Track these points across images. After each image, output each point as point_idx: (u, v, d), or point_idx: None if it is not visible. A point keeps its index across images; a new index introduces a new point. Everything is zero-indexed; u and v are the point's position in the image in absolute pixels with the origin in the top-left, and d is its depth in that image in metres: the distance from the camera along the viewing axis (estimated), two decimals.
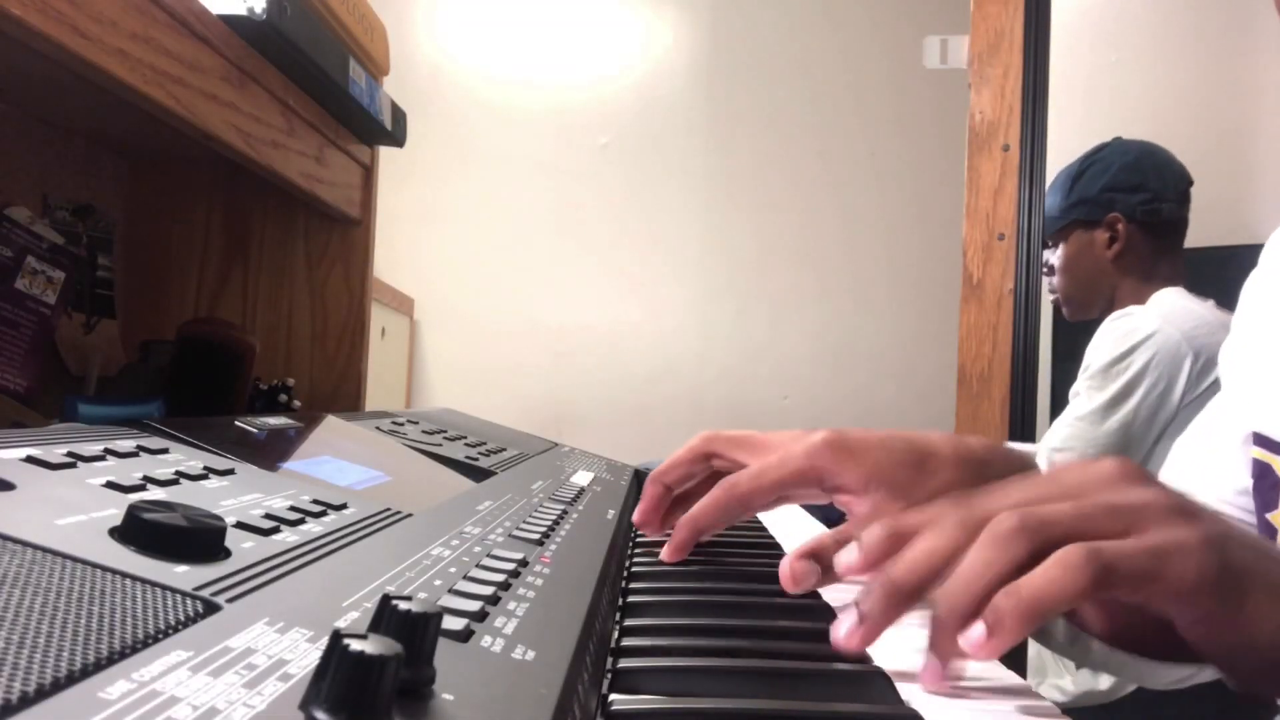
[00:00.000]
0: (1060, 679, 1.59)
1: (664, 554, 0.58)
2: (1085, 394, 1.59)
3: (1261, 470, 0.77)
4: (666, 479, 0.64)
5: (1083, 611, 0.47)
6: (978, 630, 0.37)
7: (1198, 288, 1.68)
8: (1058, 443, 1.60)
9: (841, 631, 0.40)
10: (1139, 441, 1.56)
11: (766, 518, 0.83)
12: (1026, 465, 0.68)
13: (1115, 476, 0.42)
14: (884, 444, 0.58)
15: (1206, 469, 0.87)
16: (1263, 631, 0.37)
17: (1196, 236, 1.79)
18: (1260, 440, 0.77)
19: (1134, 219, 1.70)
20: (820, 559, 0.50)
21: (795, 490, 0.60)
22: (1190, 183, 1.74)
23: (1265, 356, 0.81)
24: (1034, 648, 1.52)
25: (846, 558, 0.44)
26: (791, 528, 0.85)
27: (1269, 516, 0.76)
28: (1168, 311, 1.60)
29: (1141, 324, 1.58)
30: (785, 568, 0.50)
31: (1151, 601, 0.38)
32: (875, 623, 0.40)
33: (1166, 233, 1.72)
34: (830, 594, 0.53)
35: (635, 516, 0.63)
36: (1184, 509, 0.39)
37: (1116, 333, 1.60)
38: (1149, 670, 0.49)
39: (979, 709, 0.39)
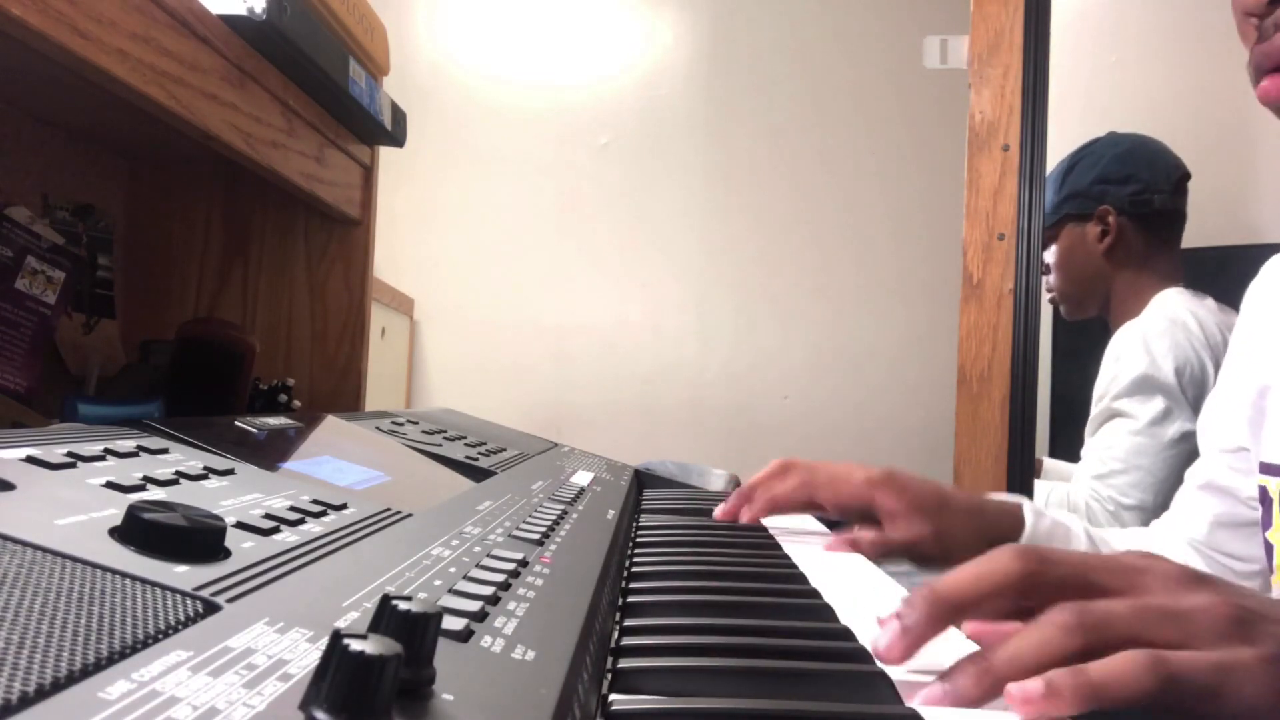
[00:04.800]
0: None
1: (744, 516, 0.80)
2: (1131, 409, 1.56)
3: (1263, 494, 0.79)
4: (751, 493, 0.83)
5: None
6: (1034, 686, 0.36)
7: (1198, 287, 1.67)
8: (1117, 464, 1.54)
9: (935, 697, 0.39)
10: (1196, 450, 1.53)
11: (767, 519, 0.83)
12: (1011, 515, 0.79)
13: (1174, 578, 0.42)
14: (921, 480, 0.80)
15: (1174, 513, 0.94)
16: None
17: (1196, 236, 1.78)
18: (1264, 468, 0.79)
19: (1124, 211, 1.68)
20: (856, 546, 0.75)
21: (849, 502, 0.81)
22: (1185, 175, 1.71)
23: (1256, 389, 0.83)
24: None
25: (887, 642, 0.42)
26: (791, 528, 0.85)
27: (1267, 535, 0.78)
28: (1176, 317, 1.58)
29: (1159, 332, 1.57)
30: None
31: (1206, 716, 0.37)
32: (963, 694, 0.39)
33: (1160, 225, 1.69)
34: (823, 585, 0.53)
35: (719, 511, 0.82)
36: (1243, 619, 0.39)
37: (1137, 343, 1.58)
38: None
39: (980, 712, 0.39)
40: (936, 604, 0.41)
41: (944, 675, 0.39)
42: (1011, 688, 0.37)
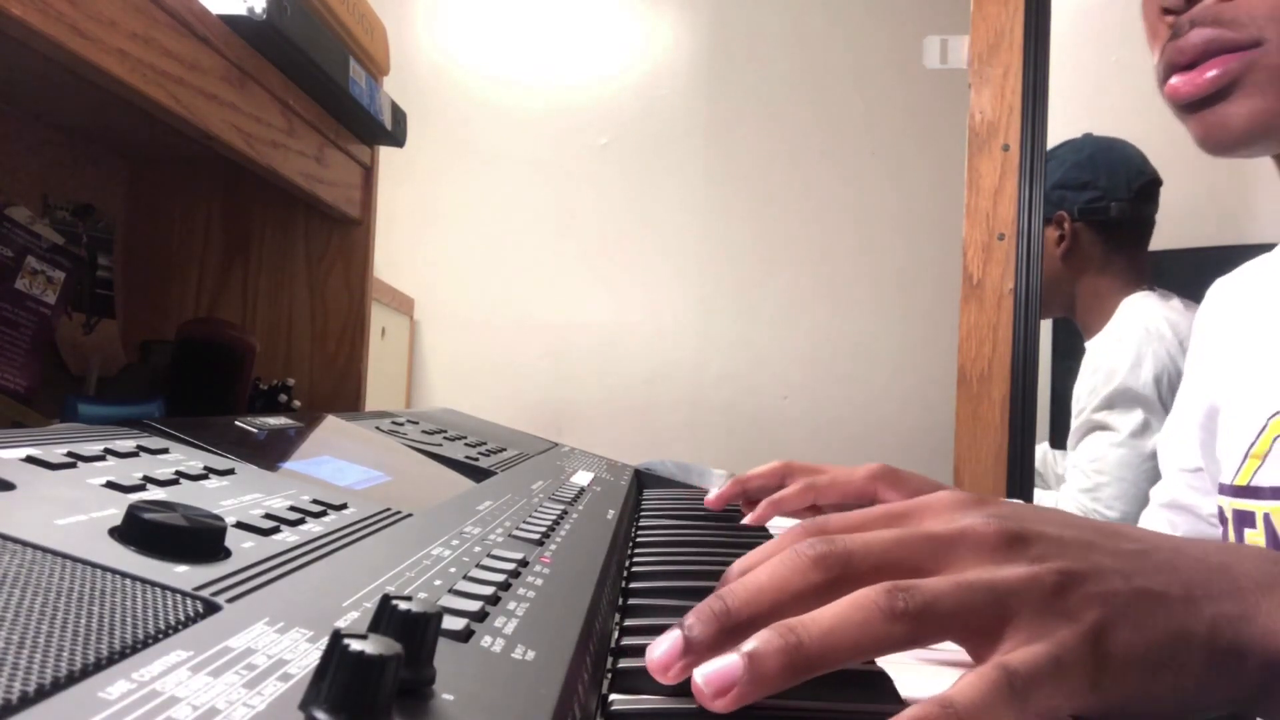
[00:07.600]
0: None
1: (747, 519, 0.78)
2: (1112, 422, 1.56)
3: (1220, 515, 0.78)
4: (747, 485, 0.82)
5: None
6: (730, 664, 0.31)
7: (1196, 288, 1.67)
8: (1103, 477, 1.53)
9: (659, 653, 0.33)
10: None
11: (770, 522, 0.83)
12: None
13: (947, 505, 0.37)
14: (921, 476, 0.77)
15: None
16: None
17: (1194, 237, 1.78)
18: (1235, 491, 0.78)
19: (1078, 218, 1.68)
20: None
21: (853, 500, 0.79)
22: (1153, 180, 1.69)
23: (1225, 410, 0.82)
24: None
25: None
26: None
27: None
28: (1150, 326, 1.58)
29: (1135, 342, 1.57)
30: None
31: (963, 646, 0.32)
32: (702, 654, 0.32)
33: (1118, 231, 1.68)
34: None
35: (710, 498, 0.82)
36: (1014, 538, 0.34)
37: (1114, 354, 1.58)
38: None
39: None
40: (727, 622, 0.33)
41: (681, 624, 0.33)
42: (697, 676, 0.31)
